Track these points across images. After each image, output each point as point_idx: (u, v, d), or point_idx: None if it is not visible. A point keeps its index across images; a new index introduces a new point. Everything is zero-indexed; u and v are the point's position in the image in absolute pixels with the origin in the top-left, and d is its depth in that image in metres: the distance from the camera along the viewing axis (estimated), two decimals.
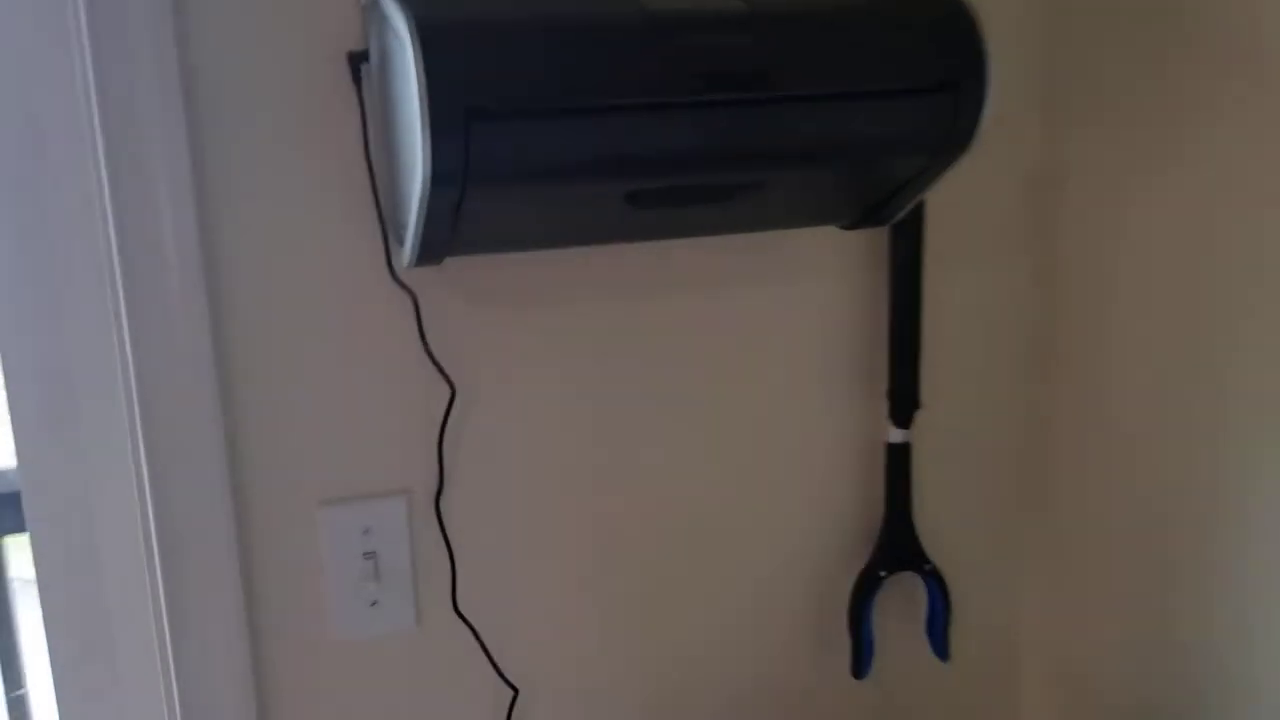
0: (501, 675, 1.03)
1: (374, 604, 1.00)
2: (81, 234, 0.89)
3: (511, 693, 1.04)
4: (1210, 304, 0.94)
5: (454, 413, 0.98)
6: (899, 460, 1.10)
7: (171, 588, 0.93)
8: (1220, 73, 0.91)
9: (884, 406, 1.09)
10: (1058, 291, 1.10)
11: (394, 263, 0.93)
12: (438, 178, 0.74)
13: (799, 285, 1.05)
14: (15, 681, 1.32)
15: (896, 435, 1.09)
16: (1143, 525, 1.04)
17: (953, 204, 1.07)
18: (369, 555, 0.99)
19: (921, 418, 1.09)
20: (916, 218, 1.03)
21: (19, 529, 0.99)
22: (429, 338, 0.96)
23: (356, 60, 0.89)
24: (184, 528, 0.93)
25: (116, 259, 0.87)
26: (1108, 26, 1.01)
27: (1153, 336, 1.00)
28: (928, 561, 1.11)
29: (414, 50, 0.72)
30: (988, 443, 1.16)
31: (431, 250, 0.84)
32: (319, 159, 0.91)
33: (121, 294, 0.88)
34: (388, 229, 0.92)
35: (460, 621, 1.01)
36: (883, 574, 1.11)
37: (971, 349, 1.13)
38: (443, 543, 1.00)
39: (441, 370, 0.97)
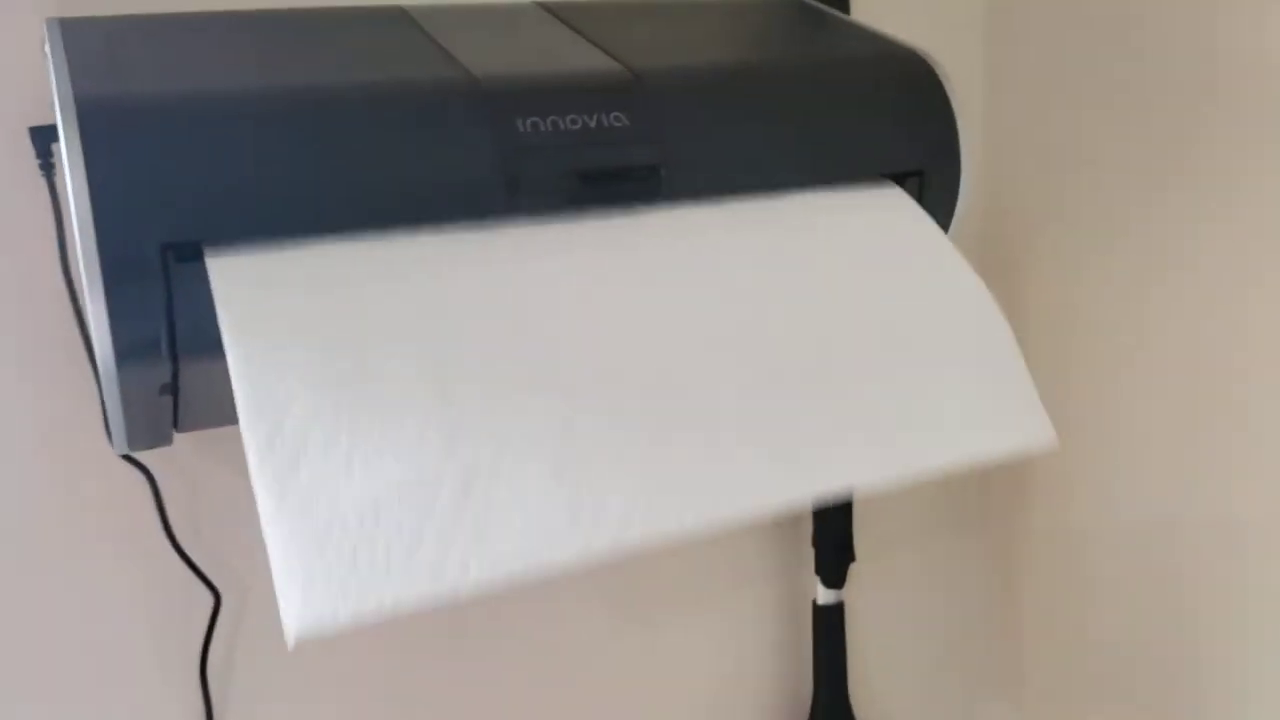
0: None
1: None
2: None
3: None
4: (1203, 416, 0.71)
5: (220, 626, 0.70)
6: (830, 623, 0.85)
7: None
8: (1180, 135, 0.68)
9: (810, 558, 0.84)
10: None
11: (113, 443, 0.64)
12: (125, 354, 0.46)
13: None
14: None
15: (826, 595, 0.85)
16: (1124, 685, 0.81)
17: None
18: None
19: (856, 571, 0.85)
20: None
21: None
22: (176, 528, 0.67)
23: (44, 139, 0.60)
24: None
25: None
26: (1045, 103, 0.78)
27: (1135, 471, 0.77)
28: None
29: (72, 147, 0.44)
30: (939, 602, 0.91)
31: (149, 436, 0.55)
32: None
33: None
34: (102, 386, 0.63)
35: None
36: None
37: (919, 486, 0.89)
38: None
39: (197, 570, 0.68)
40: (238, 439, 0.67)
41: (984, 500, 0.92)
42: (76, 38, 0.50)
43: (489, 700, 0.78)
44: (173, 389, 0.50)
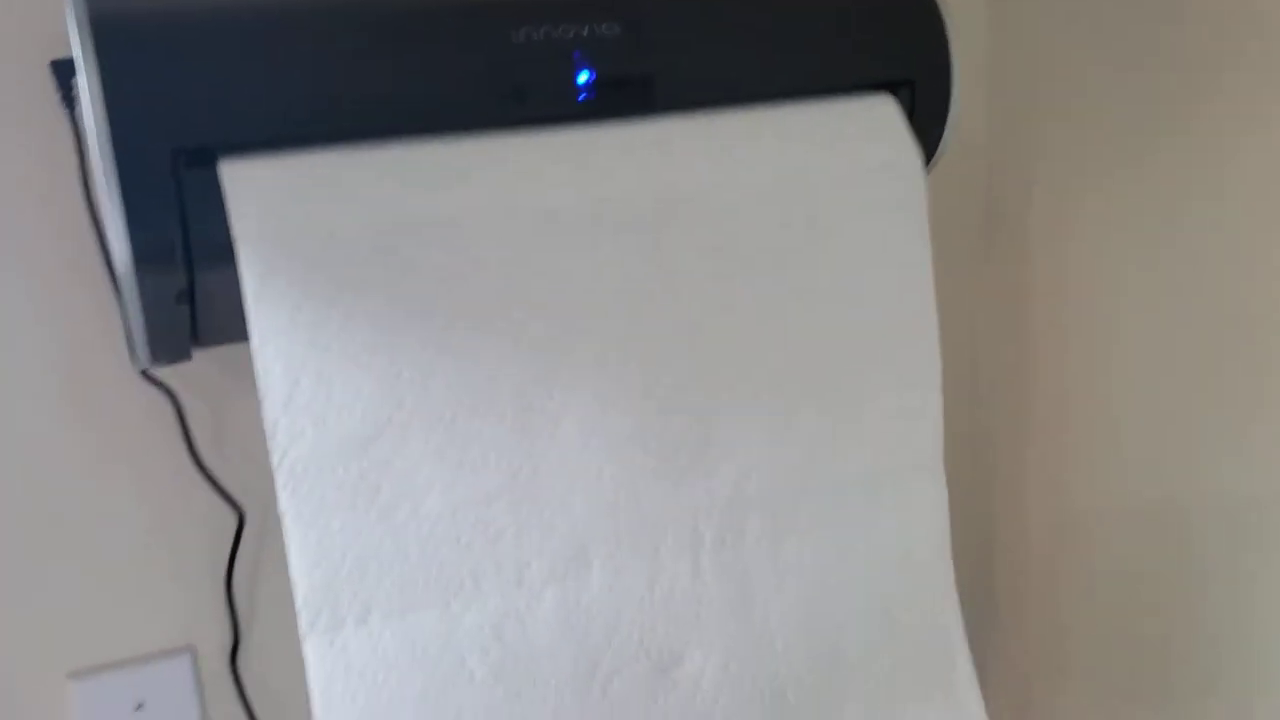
0: None
1: None
2: None
3: None
4: (1184, 325, 0.72)
5: (244, 543, 0.72)
6: None
7: None
8: (1192, 82, 0.68)
9: None
10: (1010, 319, 0.87)
11: (135, 362, 0.66)
12: (142, 257, 0.48)
13: None
14: None
15: None
16: (1114, 614, 0.82)
17: None
18: None
19: None
20: None
21: None
22: (202, 447, 0.70)
23: (65, 73, 0.62)
24: None
25: None
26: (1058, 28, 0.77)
27: (1121, 365, 0.77)
28: None
29: (88, 60, 0.46)
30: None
31: (169, 349, 0.58)
32: (18, 211, 0.64)
33: None
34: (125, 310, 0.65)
35: None
36: None
37: None
38: (244, 713, 0.74)
39: (221, 489, 0.71)
40: None
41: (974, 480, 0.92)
42: None
43: None
44: (189, 297, 0.52)
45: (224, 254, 0.48)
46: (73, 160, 0.63)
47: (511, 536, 0.49)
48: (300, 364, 0.46)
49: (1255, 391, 0.70)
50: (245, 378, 0.70)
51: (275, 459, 0.46)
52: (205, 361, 0.69)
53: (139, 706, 0.73)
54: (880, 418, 0.54)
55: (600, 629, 0.51)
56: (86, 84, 0.46)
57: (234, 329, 0.60)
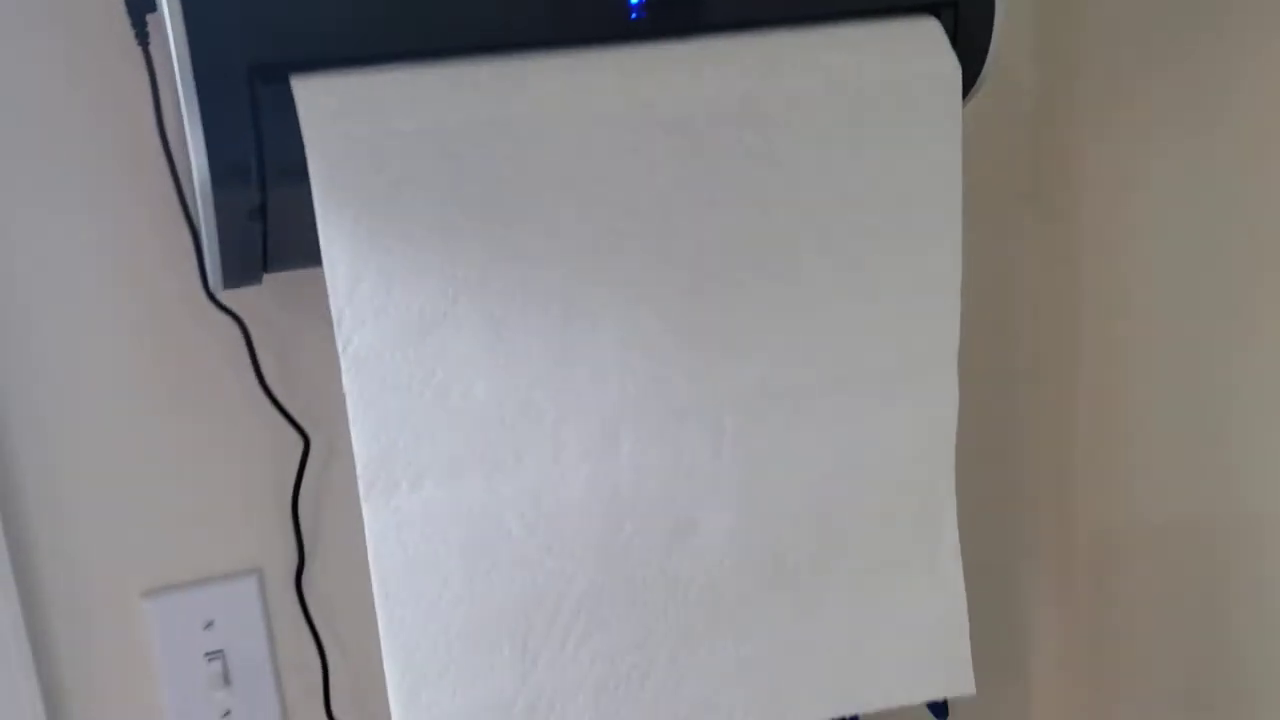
0: None
1: (226, 715, 0.79)
2: None
3: None
4: (1238, 281, 0.74)
5: (309, 467, 0.76)
6: None
7: None
8: (1255, 25, 0.70)
9: None
10: (1062, 266, 0.89)
11: (210, 282, 0.70)
12: (219, 173, 0.52)
13: None
14: None
15: None
16: (1174, 565, 0.84)
17: None
18: (214, 655, 0.77)
19: None
20: None
21: None
22: (269, 375, 0.74)
23: (139, 9, 0.66)
24: None
25: None
26: None
27: (1172, 319, 0.79)
28: None
29: None
30: (987, 474, 0.95)
31: (241, 270, 0.62)
32: (97, 147, 0.69)
33: None
34: (198, 238, 0.70)
35: None
36: None
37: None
38: (309, 632, 0.78)
39: (288, 416, 0.75)
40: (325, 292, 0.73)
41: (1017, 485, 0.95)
42: None
43: None
44: (261, 215, 0.56)
45: (295, 169, 0.52)
46: (146, 97, 0.68)
47: (551, 419, 0.53)
48: (364, 260, 0.50)
49: None
50: (310, 308, 0.74)
51: (340, 345, 0.50)
52: (272, 292, 0.73)
53: (208, 625, 0.77)
54: (902, 316, 0.58)
55: (626, 498, 0.55)
56: (167, 7, 0.50)
57: (302, 252, 0.63)
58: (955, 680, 0.66)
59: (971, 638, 0.68)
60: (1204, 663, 0.83)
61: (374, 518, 0.53)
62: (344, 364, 0.51)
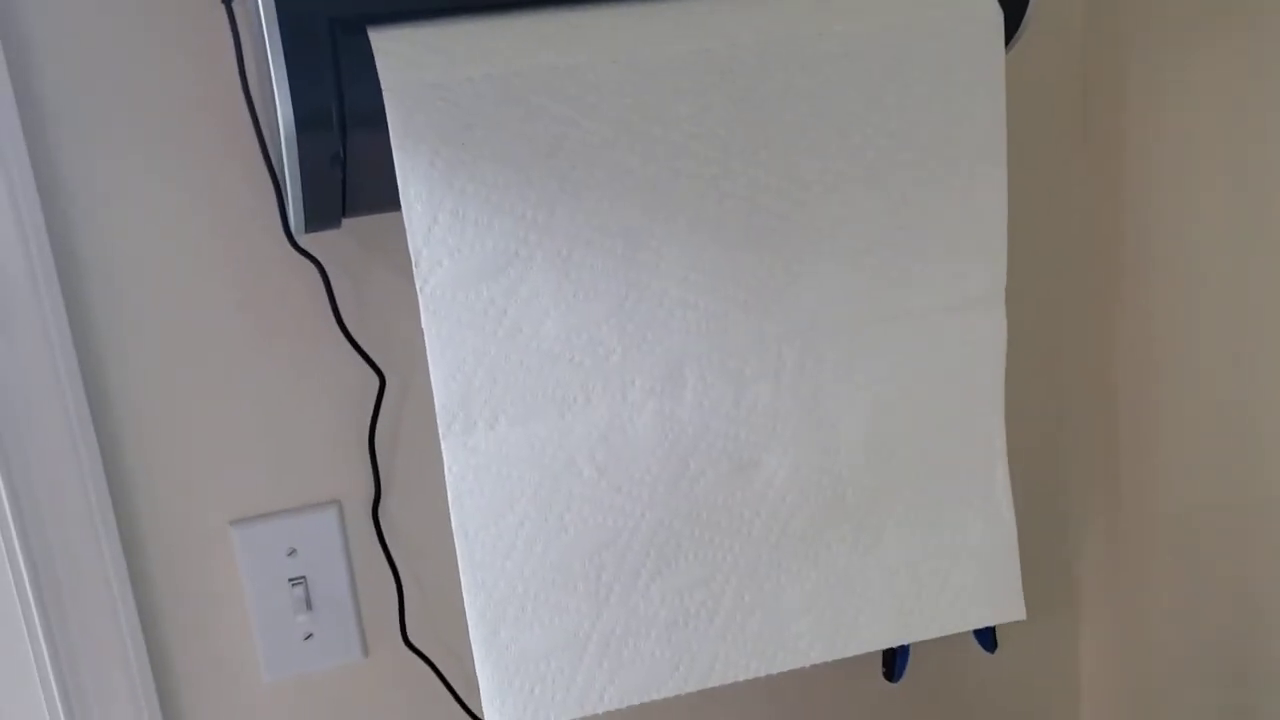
0: (468, 710, 0.86)
1: (308, 638, 0.83)
2: None
3: None
4: None
5: (385, 405, 0.80)
6: None
7: (55, 644, 0.77)
8: None
9: None
10: (1112, 209, 0.91)
11: (292, 227, 0.74)
12: (304, 120, 0.56)
13: None
14: None
15: None
16: (1215, 490, 0.85)
17: None
18: (297, 581, 0.82)
19: None
20: None
21: None
22: (346, 316, 0.78)
23: None
24: (63, 570, 0.76)
25: None
26: None
27: (1228, 261, 0.81)
28: None
29: None
30: (1036, 408, 0.97)
31: (321, 214, 0.65)
32: (185, 100, 0.73)
33: None
34: (279, 184, 0.73)
35: (414, 654, 0.84)
36: None
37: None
38: (385, 561, 0.83)
39: (365, 355, 0.78)
40: (402, 232, 0.77)
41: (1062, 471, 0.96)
42: None
43: None
44: (341, 161, 0.60)
45: (373, 115, 0.55)
46: (230, 55, 0.71)
47: (618, 356, 0.56)
48: (438, 202, 0.53)
49: None
50: (386, 252, 0.78)
51: (418, 285, 0.53)
52: (350, 237, 0.77)
53: (291, 553, 0.82)
54: (950, 252, 0.60)
55: (691, 436, 0.58)
56: None
57: (379, 197, 0.67)
58: (1008, 607, 0.68)
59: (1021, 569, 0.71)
60: (1245, 588, 0.85)
61: (453, 457, 0.56)
62: (422, 302, 0.54)
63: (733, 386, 0.59)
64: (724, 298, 0.57)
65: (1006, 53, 0.65)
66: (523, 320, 0.55)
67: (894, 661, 0.95)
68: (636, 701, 0.62)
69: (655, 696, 0.63)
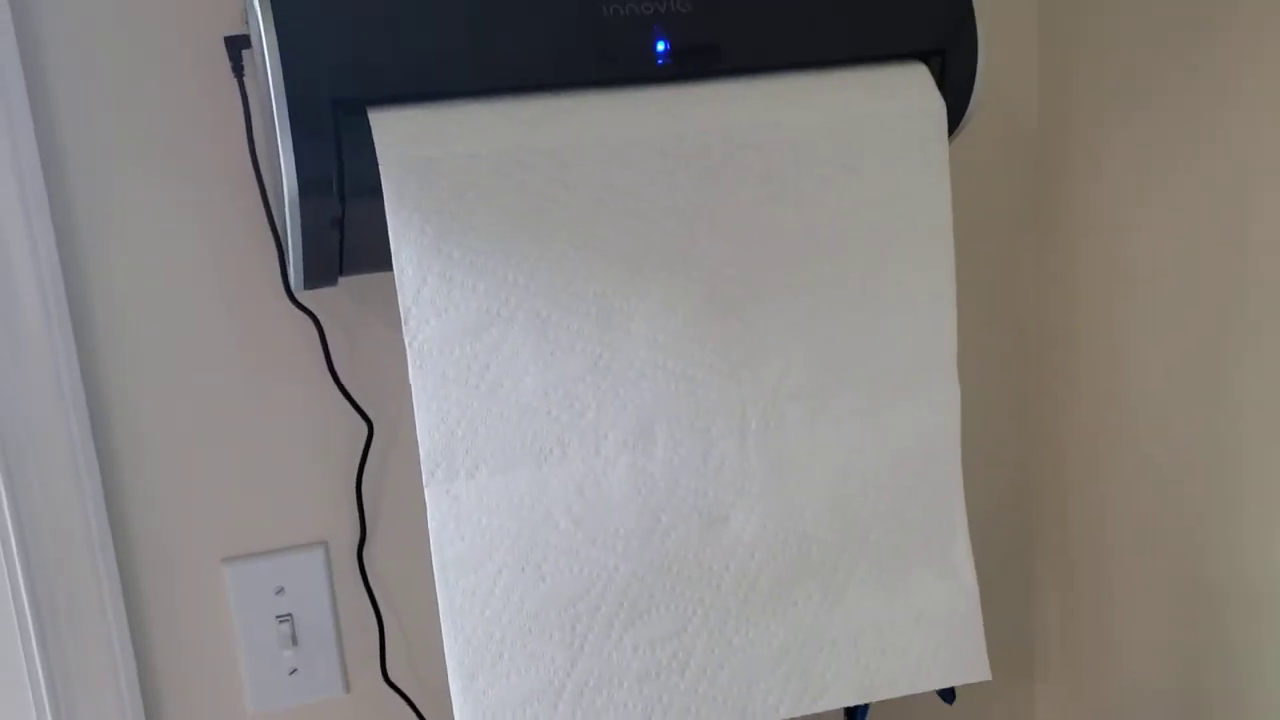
0: None
1: (293, 672, 0.87)
2: None
3: None
4: (1230, 300, 0.80)
5: (373, 452, 0.85)
6: None
7: (52, 669, 0.81)
8: (1245, 55, 0.76)
9: None
10: (1063, 292, 0.96)
11: (291, 284, 0.79)
12: (306, 187, 0.61)
13: None
14: None
15: None
16: (1171, 559, 0.90)
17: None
18: (284, 618, 0.86)
19: None
20: None
21: None
22: (338, 367, 0.82)
23: (236, 46, 0.75)
24: (61, 600, 0.80)
25: None
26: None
27: (1167, 337, 0.86)
28: None
29: (266, 29, 0.59)
30: (988, 470, 1.02)
31: (320, 272, 0.70)
32: (196, 165, 0.78)
33: None
34: (281, 244, 0.79)
35: (393, 691, 0.88)
36: None
37: (964, 361, 0.99)
38: (369, 601, 0.87)
39: (356, 405, 0.83)
40: (391, 291, 0.82)
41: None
42: None
43: None
44: (340, 224, 0.65)
45: (370, 186, 0.60)
46: (239, 120, 0.77)
47: (593, 412, 0.61)
48: (428, 266, 0.58)
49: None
50: (378, 309, 0.83)
51: (407, 341, 0.58)
52: (345, 294, 0.82)
53: (279, 590, 0.86)
54: (904, 327, 0.65)
55: (662, 491, 0.62)
56: (265, 49, 0.59)
57: (373, 259, 0.72)
58: (972, 669, 0.72)
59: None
60: (1196, 660, 0.90)
61: (435, 505, 0.60)
62: (410, 357, 0.59)
63: (701, 444, 0.64)
64: (692, 361, 0.62)
65: (952, 140, 0.71)
66: (503, 376, 0.59)
67: (855, 709, 0.99)
68: None
69: None
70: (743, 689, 0.66)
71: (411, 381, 0.59)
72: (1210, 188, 0.81)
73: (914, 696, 1.01)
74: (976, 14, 0.68)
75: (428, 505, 0.60)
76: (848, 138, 0.63)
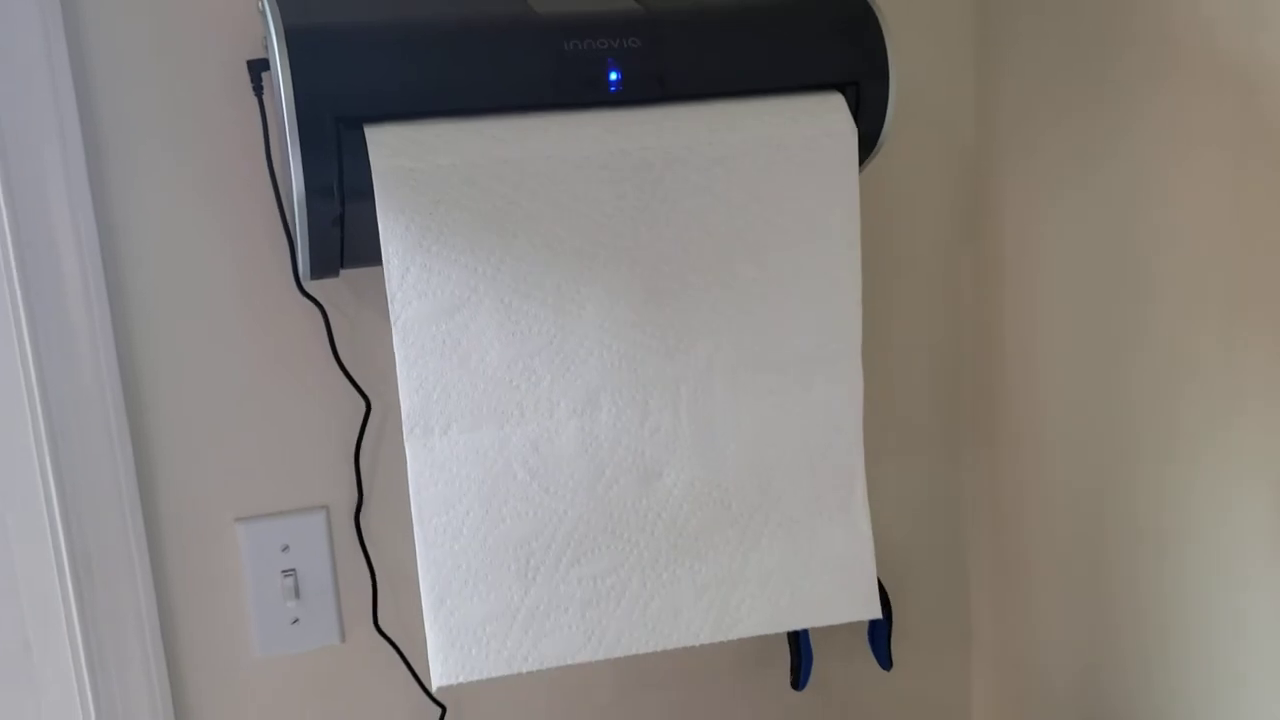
0: (428, 693, 1.01)
1: (295, 622, 0.98)
2: None
3: (439, 710, 1.02)
4: (1140, 306, 0.91)
5: (370, 427, 0.96)
6: None
7: (85, 608, 0.92)
8: (1153, 72, 0.87)
9: None
10: (993, 293, 1.08)
11: (300, 275, 0.91)
12: (312, 193, 0.72)
13: None
14: None
15: None
16: (1085, 526, 1.01)
17: (884, 209, 1.05)
18: (288, 572, 0.97)
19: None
20: None
21: None
22: (341, 351, 0.94)
23: (257, 69, 0.87)
24: (95, 549, 0.91)
25: (15, 277, 0.86)
26: (1040, 25, 0.98)
27: (1087, 343, 0.97)
28: None
29: (281, 57, 0.70)
30: (926, 452, 1.13)
31: (323, 265, 0.82)
32: (221, 171, 0.90)
33: (23, 315, 0.87)
34: (291, 240, 0.90)
35: (383, 639, 0.99)
36: None
37: (909, 355, 1.10)
38: (363, 559, 0.98)
39: (355, 384, 0.95)
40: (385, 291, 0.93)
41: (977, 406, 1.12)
42: None
43: None
44: (340, 222, 0.77)
45: (365, 190, 0.72)
46: (259, 133, 0.88)
47: (547, 382, 0.72)
48: (410, 257, 0.70)
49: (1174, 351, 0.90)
50: (375, 302, 0.94)
51: (392, 319, 0.70)
52: (347, 285, 0.93)
53: (285, 548, 0.97)
54: (815, 315, 0.77)
55: (606, 450, 0.74)
56: (280, 74, 0.70)
57: (368, 253, 0.83)
58: (865, 606, 0.83)
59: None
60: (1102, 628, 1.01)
61: (414, 456, 0.72)
62: (395, 333, 0.70)
63: (640, 413, 0.75)
64: (633, 343, 0.74)
65: (873, 156, 0.82)
66: (472, 350, 0.71)
67: (798, 672, 1.10)
68: (555, 665, 0.77)
69: (570, 662, 0.77)
70: (670, 617, 0.77)
71: (395, 352, 0.70)
72: (1109, 197, 0.92)
73: (855, 658, 1.12)
74: (891, 52, 0.79)
75: (408, 456, 0.72)
76: (770, 155, 0.75)
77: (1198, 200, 0.84)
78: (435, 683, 0.75)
